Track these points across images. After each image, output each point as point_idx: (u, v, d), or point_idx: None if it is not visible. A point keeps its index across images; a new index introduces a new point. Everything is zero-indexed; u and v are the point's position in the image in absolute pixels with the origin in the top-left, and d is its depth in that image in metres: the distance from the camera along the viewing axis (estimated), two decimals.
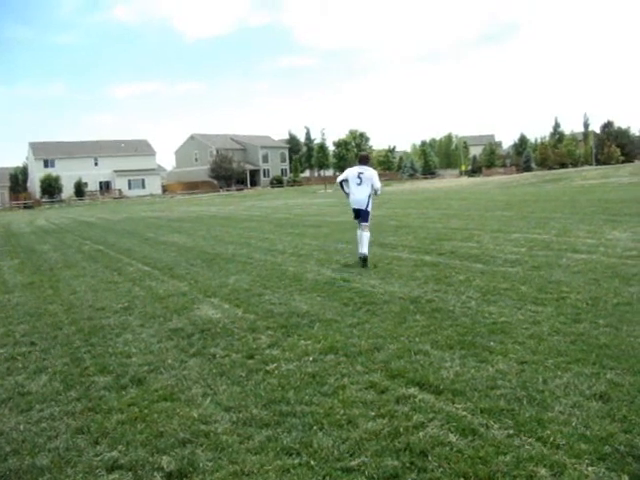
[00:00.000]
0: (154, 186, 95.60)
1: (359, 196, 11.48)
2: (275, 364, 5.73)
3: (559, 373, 5.06)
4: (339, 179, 12.05)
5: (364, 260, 11.15)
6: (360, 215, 11.57)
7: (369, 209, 11.56)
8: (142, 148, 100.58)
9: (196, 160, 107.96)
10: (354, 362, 5.65)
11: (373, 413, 4.46)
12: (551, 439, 3.90)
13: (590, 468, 3.55)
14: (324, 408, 4.60)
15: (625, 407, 4.32)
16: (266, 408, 4.68)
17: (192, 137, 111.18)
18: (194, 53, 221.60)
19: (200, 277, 10.90)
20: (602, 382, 4.80)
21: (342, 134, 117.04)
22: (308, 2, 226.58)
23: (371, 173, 11.50)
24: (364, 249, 11.22)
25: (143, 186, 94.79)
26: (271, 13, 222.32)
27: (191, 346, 6.52)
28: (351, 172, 11.84)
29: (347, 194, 11.75)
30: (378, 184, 11.55)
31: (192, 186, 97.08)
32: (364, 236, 11.29)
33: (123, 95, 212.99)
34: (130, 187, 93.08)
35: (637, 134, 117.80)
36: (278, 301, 8.46)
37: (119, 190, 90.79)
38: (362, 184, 11.42)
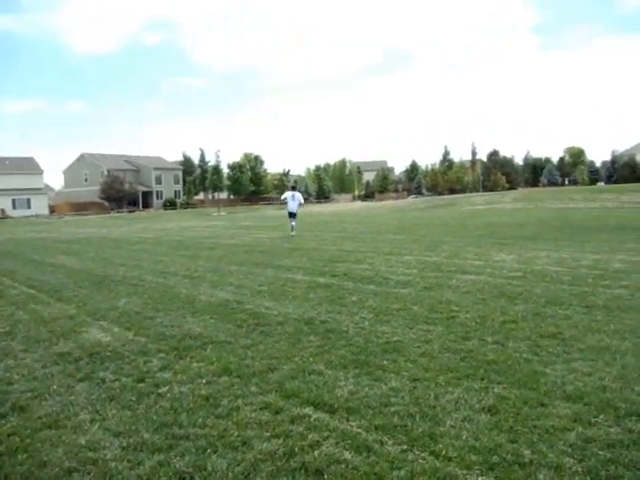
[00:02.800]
0: (41, 206, 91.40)
1: (292, 206, 24.69)
2: (167, 387, 5.58)
3: (450, 389, 5.20)
4: (283, 197, 25.91)
5: (292, 230, 24.24)
6: (292, 215, 24.70)
7: (296, 212, 24.76)
8: (28, 166, 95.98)
9: (86, 180, 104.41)
10: (248, 383, 5.59)
11: (268, 434, 4.43)
12: (443, 452, 4.00)
13: (480, 478, 3.67)
14: (218, 430, 4.51)
15: (512, 419, 4.50)
16: (158, 432, 4.54)
17: (82, 156, 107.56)
18: (85, 70, 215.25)
19: (89, 300, 10.51)
20: (490, 396, 4.98)
21: (237, 157, 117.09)
22: (204, 23, 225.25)
23: (298, 195, 25.25)
24: (294, 230, 24.18)
25: (29, 206, 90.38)
26: (165, 32, 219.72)
27: (78, 371, 6.25)
28: (288, 194, 25.33)
29: (286, 204, 24.86)
30: (302, 200, 25.34)
31: (81, 207, 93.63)
32: (294, 224, 24.47)
33: (7, 110, 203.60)
34: (14, 207, 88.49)
35: (520, 163, 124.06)
36: (170, 323, 8.27)
37: (2, 210, 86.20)
38: (294, 200, 24.79)
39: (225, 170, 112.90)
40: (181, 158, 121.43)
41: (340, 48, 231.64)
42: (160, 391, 5.48)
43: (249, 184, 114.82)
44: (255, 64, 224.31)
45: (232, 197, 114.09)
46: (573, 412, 4.59)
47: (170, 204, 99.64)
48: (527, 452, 3.97)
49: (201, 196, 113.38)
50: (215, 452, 4.16)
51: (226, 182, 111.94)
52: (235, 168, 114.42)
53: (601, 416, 4.51)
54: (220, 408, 4.99)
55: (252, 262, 15.07)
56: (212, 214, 70.07)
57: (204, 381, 5.72)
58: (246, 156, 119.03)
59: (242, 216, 58.22)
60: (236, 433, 4.44)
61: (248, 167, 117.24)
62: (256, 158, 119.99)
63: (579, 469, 3.74)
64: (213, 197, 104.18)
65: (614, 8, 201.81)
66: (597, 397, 4.88)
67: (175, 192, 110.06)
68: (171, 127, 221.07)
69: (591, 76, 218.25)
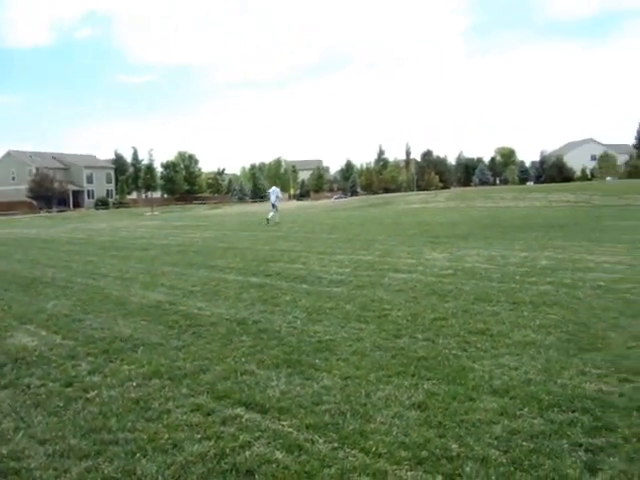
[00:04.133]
0: None
1: (274, 199, 32.06)
2: (96, 391, 5.47)
3: (381, 386, 5.27)
4: (268, 191, 37.26)
5: (267, 220, 30.61)
6: (273, 206, 31.42)
7: (276, 204, 31.92)
8: None
9: (13, 179, 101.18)
10: (179, 385, 5.54)
11: (199, 436, 4.39)
12: (373, 449, 4.05)
13: (409, 473, 3.74)
14: (148, 434, 4.45)
15: (440, 414, 4.59)
16: (86, 438, 4.44)
17: (9, 154, 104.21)
18: (11, 63, 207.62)
19: (15, 303, 10.19)
20: (420, 392, 5.07)
21: (171, 155, 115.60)
22: (141, 18, 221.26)
23: (277, 190, 33.80)
24: (275, 219, 30.67)
25: None
26: (100, 26, 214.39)
27: (2, 377, 6.04)
28: (272, 189, 33.95)
29: (269, 197, 33.42)
30: (280, 194, 34.00)
31: (8, 206, 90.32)
32: (276, 215, 30.90)
33: None
34: None
35: (453, 163, 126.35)
36: (100, 326, 8.10)
37: None
38: (273, 194, 32.62)
39: (159, 169, 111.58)
40: (113, 157, 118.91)
41: (277, 48, 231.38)
42: (88, 396, 5.37)
43: (183, 183, 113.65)
44: (192, 62, 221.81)
45: (166, 196, 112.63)
46: (499, 406, 4.72)
47: (102, 203, 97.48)
48: (455, 446, 4.06)
49: (134, 195, 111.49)
50: (145, 456, 4.10)
51: (160, 181, 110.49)
52: (169, 167, 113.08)
53: (525, 409, 4.65)
54: (150, 411, 4.92)
55: (185, 262, 14.91)
56: (145, 214, 68.93)
57: (134, 384, 5.63)
58: (180, 155, 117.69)
59: (176, 216, 57.49)
60: (166, 436, 4.39)
61: (182, 166, 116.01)
62: (190, 157, 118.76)
63: (504, 460, 3.84)
64: (146, 196, 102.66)
65: (542, 13, 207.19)
66: (522, 390, 5.03)
67: (107, 191, 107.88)
68: (105, 125, 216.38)
69: (521, 79, 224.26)
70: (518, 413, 4.57)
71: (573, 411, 4.57)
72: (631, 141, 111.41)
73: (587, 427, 4.29)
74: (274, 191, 33.23)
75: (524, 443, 4.07)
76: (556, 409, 4.62)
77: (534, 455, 3.89)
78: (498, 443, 4.08)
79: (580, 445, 4.02)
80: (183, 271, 13.27)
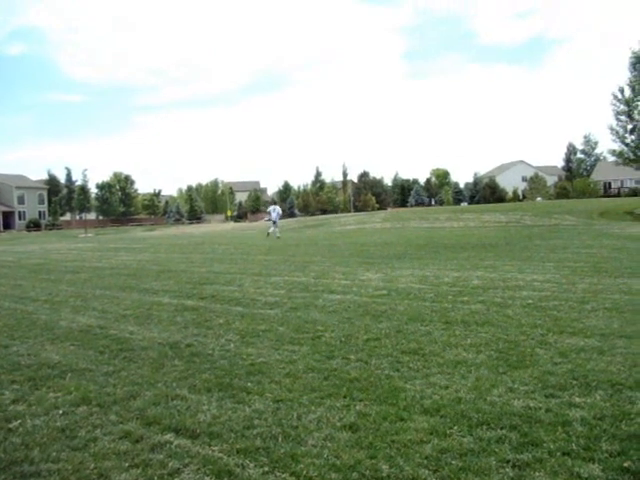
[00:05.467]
0: None
1: (274, 216, 35.75)
2: (19, 421, 5.28)
3: (313, 408, 5.25)
4: (268, 210, 39.40)
5: (278, 238, 33.39)
6: (274, 223, 35.53)
7: (277, 220, 35.91)
8: None
9: None
10: (108, 412, 5.40)
11: (127, 464, 4.29)
12: (304, 472, 4.03)
13: None
14: (73, 464, 4.32)
15: (371, 435, 4.61)
16: (5, 471, 4.27)
17: None
18: None
19: None
20: (352, 413, 5.07)
21: (107, 176, 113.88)
22: (74, 35, 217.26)
23: (278, 208, 37.05)
24: (278, 234, 34.59)
25: None
26: (31, 42, 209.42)
27: None
28: (271, 207, 37.22)
29: (270, 215, 36.74)
30: (280, 212, 37.03)
31: None
32: (276, 231, 35.04)
33: None
34: None
35: (389, 184, 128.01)
36: (27, 352, 7.85)
37: None
38: (274, 212, 35.81)
39: (94, 190, 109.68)
40: (46, 177, 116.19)
41: (212, 68, 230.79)
42: (11, 426, 5.18)
43: (119, 205, 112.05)
44: (127, 81, 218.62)
45: (101, 218, 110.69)
46: (430, 425, 4.75)
47: (34, 225, 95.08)
48: (385, 467, 4.07)
49: (68, 217, 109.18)
50: None
51: (94, 202, 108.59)
52: (104, 188, 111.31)
53: (455, 427, 4.70)
54: (76, 440, 4.78)
55: (118, 286, 14.63)
56: (79, 236, 67.41)
57: (60, 412, 5.47)
58: (116, 176, 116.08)
59: (111, 238, 56.34)
60: (92, 465, 4.27)
61: (118, 187, 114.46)
62: (126, 178, 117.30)
63: (434, 479, 3.87)
64: (80, 218, 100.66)
65: (477, 39, 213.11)
66: (452, 409, 5.08)
67: (40, 212, 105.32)
68: (37, 144, 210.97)
69: (456, 102, 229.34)
70: (448, 432, 4.62)
71: (501, 428, 4.65)
72: (560, 163, 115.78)
73: (514, 443, 4.36)
74: (274, 209, 36.99)
75: (453, 461, 4.11)
76: (485, 427, 4.69)
77: (463, 473, 3.93)
78: (428, 462, 4.11)
79: (508, 461, 4.08)
80: (115, 294, 13.01)
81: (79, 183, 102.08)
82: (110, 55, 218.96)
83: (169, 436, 4.78)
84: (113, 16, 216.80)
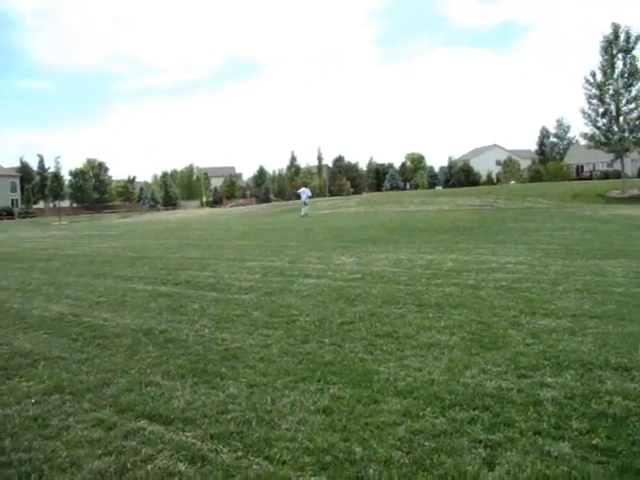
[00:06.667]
0: None
1: (303, 197, 42.55)
2: None
3: (287, 392, 5.26)
4: (298, 191, 47.09)
5: (306, 215, 40.65)
6: (305, 203, 42.30)
7: (307, 201, 42.81)
8: None
9: None
10: (81, 400, 5.36)
11: (100, 451, 4.26)
12: (278, 456, 4.04)
13: (313, 478, 3.76)
14: (45, 453, 4.29)
15: (345, 418, 4.63)
16: None
17: None
18: None
19: None
20: (326, 397, 5.10)
21: (80, 164, 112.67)
22: (43, 21, 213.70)
23: (307, 190, 44.36)
24: (307, 212, 41.40)
25: None
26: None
27: None
28: (302, 189, 44.37)
29: (300, 197, 43.49)
30: (309, 193, 45.11)
31: None
32: (306, 209, 41.89)
33: None
34: None
35: (364, 168, 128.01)
36: None
37: None
38: (304, 194, 42.67)
39: (67, 177, 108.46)
40: (18, 165, 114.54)
41: (189, 54, 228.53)
42: None
43: (93, 192, 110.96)
44: (100, 68, 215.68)
45: (75, 205, 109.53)
46: (403, 407, 4.79)
47: (6, 213, 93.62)
48: (358, 449, 4.09)
49: (41, 205, 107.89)
50: (41, 477, 3.95)
51: (68, 190, 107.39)
52: (77, 175, 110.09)
53: (428, 409, 4.74)
54: (49, 429, 4.74)
55: (92, 273, 14.48)
56: (53, 223, 66.65)
57: (33, 401, 5.41)
58: (89, 163, 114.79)
59: (85, 225, 55.84)
60: (65, 454, 4.24)
61: (91, 174, 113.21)
62: (100, 165, 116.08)
63: (407, 461, 3.91)
64: (54, 205, 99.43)
65: (450, 23, 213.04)
66: (426, 391, 5.13)
67: (12, 201, 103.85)
68: (8, 132, 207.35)
69: (430, 87, 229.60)
70: (421, 413, 4.65)
71: (474, 409, 4.70)
72: (533, 147, 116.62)
73: (487, 424, 4.41)
74: (304, 191, 43.17)
75: (426, 443, 4.14)
76: (458, 408, 4.73)
77: (436, 454, 3.97)
78: (401, 444, 4.14)
79: (480, 442, 4.13)
80: (89, 282, 12.90)
81: (52, 170, 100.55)
82: (81, 42, 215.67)
83: (142, 423, 4.76)
84: (83, 2, 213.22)
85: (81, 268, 15.73)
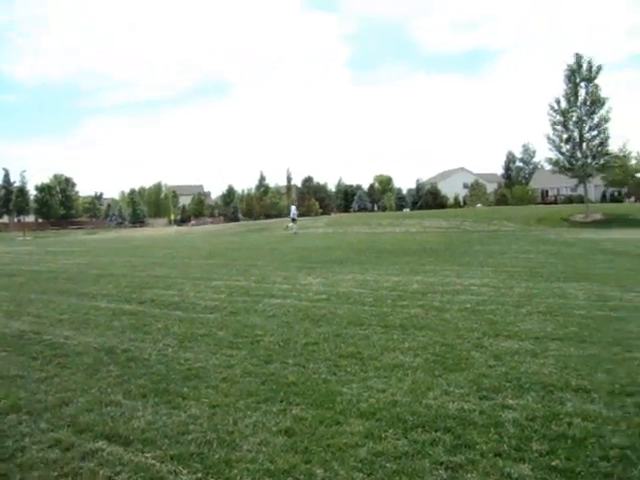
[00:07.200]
0: None
1: (292, 214, 48.09)
2: None
3: (249, 413, 5.22)
4: (290, 208, 52.36)
5: (287, 228, 48.57)
6: (293, 220, 47.39)
7: (296, 217, 48.21)
8: None
9: None
10: (38, 420, 5.26)
11: (55, 473, 4.19)
12: (238, 478, 4.03)
13: None
14: None
15: (307, 439, 4.61)
16: None
17: None
18: None
19: None
20: (288, 418, 5.07)
21: (47, 179, 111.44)
22: (11, 31, 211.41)
23: (294, 208, 49.87)
24: (296, 232, 44.96)
25: None
26: None
27: None
28: (291, 208, 50.61)
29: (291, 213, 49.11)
30: (296, 212, 49.17)
31: None
32: (294, 227, 46.47)
33: None
34: None
35: (333, 189, 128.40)
36: None
37: None
38: (292, 212, 48.58)
39: (33, 192, 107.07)
40: None
41: (159, 72, 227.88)
42: None
43: (59, 207, 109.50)
44: (68, 82, 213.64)
45: (40, 221, 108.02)
46: (365, 428, 4.78)
47: None
48: (320, 471, 4.07)
49: (5, 219, 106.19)
50: None
51: (34, 205, 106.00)
52: (43, 190, 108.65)
53: (390, 430, 4.73)
54: (2, 450, 4.64)
55: (55, 290, 14.28)
56: (17, 238, 65.54)
57: None
58: (56, 178, 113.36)
59: (50, 241, 55.01)
60: (18, 476, 4.16)
61: (58, 189, 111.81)
62: (67, 180, 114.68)
63: None
64: (19, 220, 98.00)
65: (420, 49, 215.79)
66: (388, 412, 5.12)
67: None
68: None
69: (399, 110, 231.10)
70: (383, 435, 4.65)
71: (436, 430, 4.71)
72: (499, 171, 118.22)
73: (448, 445, 4.42)
74: (292, 209, 49.60)
75: (388, 464, 4.14)
76: (420, 429, 4.74)
77: (397, 476, 3.97)
78: (362, 466, 4.13)
79: (441, 463, 4.14)
80: (52, 299, 12.70)
81: (17, 185, 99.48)
82: (48, 56, 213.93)
83: (101, 443, 4.68)
84: (44, 15, 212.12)
85: (44, 285, 15.50)
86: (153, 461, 4.32)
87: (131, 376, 6.48)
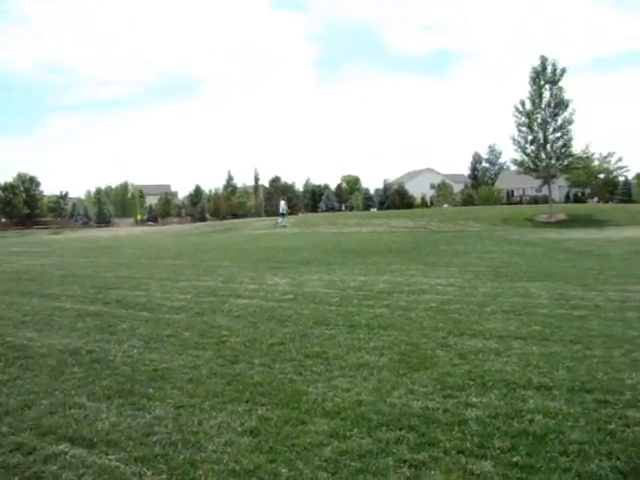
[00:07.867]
0: None
1: (282, 210, 51.52)
2: None
3: (214, 414, 5.22)
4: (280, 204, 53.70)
5: (284, 227, 48.83)
6: (283, 216, 51.19)
7: (285, 213, 52.31)
8: None
9: None
10: (0, 424, 5.19)
11: (17, 478, 4.16)
12: (203, 478, 4.03)
13: None
14: None
15: (272, 439, 4.63)
16: None
17: None
18: None
19: None
20: (253, 418, 5.08)
21: (10, 177, 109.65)
22: None
23: (283, 203, 53.38)
24: (285, 225, 49.43)
25: None
26: None
27: None
28: (281, 203, 53.37)
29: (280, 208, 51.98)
30: (285, 207, 53.08)
31: None
32: (284, 220, 50.72)
33: None
34: None
35: (301, 189, 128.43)
36: None
37: None
38: (281, 207, 51.97)
39: None
40: None
41: (120, 67, 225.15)
42: None
43: (23, 207, 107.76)
44: (30, 78, 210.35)
45: (4, 220, 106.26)
46: (330, 428, 4.81)
47: None
48: (285, 470, 4.09)
49: None
50: None
51: None
52: (7, 189, 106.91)
53: (355, 429, 4.77)
54: None
55: (18, 291, 14.07)
56: None
57: None
58: (20, 177, 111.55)
59: (14, 241, 54.09)
60: None
61: (22, 189, 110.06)
62: (31, 179, 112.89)
63: None
64: None
65: (386, 49, 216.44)
66: (353, 411, 5.16)
67: None
68: None
69: (366, 110, 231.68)
70: (348, 434, 4.68)
71: (400, 429, 4.76)
72: (466, 172, 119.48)
73: (412, 444, 4.48)
74: (282, 205, 52.44)
75: (352, 463, 4.17)
76: (384, 428, 4.78)
77: (361, 475, 4.00)
78: (327, 465, 4.16)
79: (405, 461, 4.19)
80: (15, 300, 12.52)
81: None
82: (8, 49, 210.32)
83: (64, 446, 4.64)
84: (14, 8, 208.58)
85: (6, 285, 15.27)
86: (117, 463, 4.30)
87: (96, 378, 6.44)
